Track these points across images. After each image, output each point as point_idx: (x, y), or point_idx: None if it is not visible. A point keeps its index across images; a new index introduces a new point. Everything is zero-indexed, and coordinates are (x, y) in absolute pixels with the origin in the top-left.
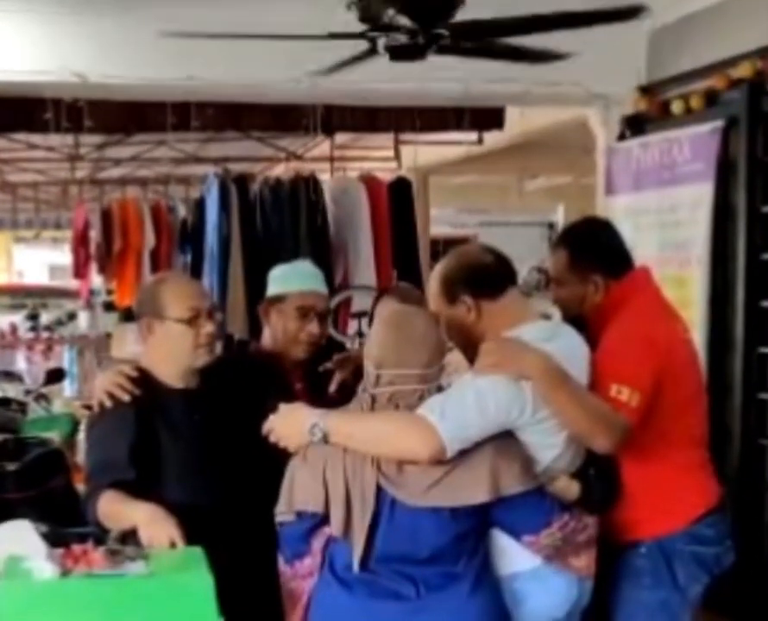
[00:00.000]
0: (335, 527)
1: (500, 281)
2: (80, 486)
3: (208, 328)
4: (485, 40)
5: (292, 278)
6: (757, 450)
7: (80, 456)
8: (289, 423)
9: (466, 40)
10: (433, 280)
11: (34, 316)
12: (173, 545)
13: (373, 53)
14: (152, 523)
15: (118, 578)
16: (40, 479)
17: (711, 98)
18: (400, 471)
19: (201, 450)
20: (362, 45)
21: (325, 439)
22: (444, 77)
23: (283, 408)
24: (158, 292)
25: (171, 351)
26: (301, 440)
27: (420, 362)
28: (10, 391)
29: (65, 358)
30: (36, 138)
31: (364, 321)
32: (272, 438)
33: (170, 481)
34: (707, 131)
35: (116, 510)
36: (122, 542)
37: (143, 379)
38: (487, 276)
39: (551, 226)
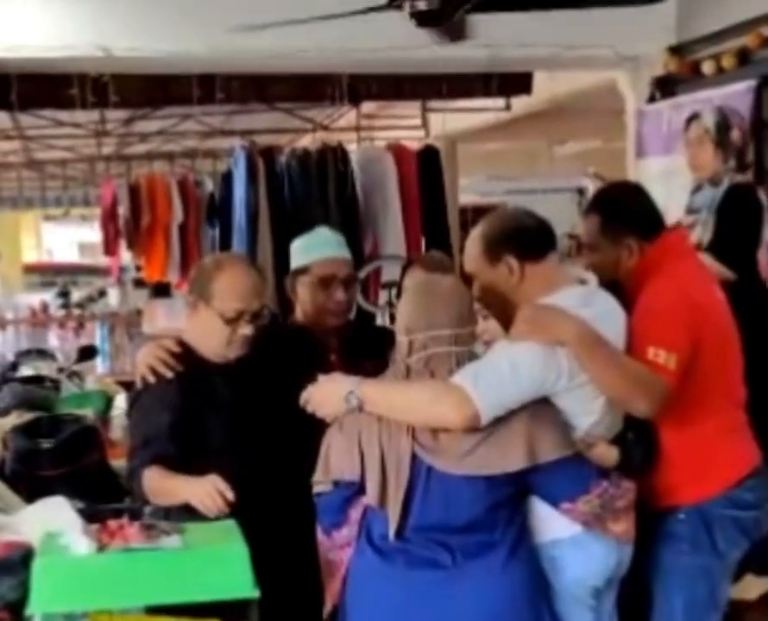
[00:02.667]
0: (371, 496)
1: (543, 244)
2: (115, 462)
3: (245, 330)
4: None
5: (311, 248)
6: None
7: (114, 432)
8: (326, 393)
9: (493, 10)
10: (474, 242)
11: (64, 294)
12: (227, 502)
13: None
14: (197, 488)
15: (154, 552)
16: (74, 456)
17: (743, 57)
18: (436, 439)
19: (242, 423)
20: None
21: (360, 407)
22: (471, 43)
23: (321, 378)
24: (212, 279)
25: (206, 335)
26: (337, 409)
27: (449, 322)
28: (44, 369)
29: (96, 335)
30: (63, 115)
31: (394, 291)
32: (309, 408)
33: (212, 455)
34: (739, 91)
35: (163, 488)
36: (166, 517)
37: (185, 353)
38: (531, 237)
39: (581, 192)
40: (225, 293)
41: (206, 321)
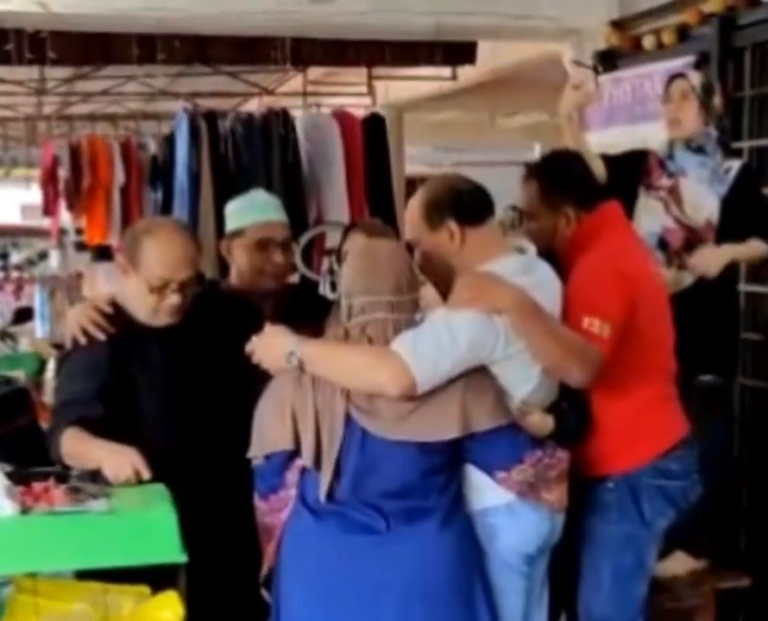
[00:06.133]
0: (306, 458)
1: (482, 208)
2: (47, 426)
3: (172, 299)
4: None
5: (248, 210)
6: None
7: (47, 395)
8: (270, 346)
9: None
10: (414, 206)
11: (3, 256)
12: (138, 476)
13: None
14: (114, 456)
15: (79, 515)
16: (4, 419)
17: (683, 33)
18: (371, 402)
19: (176, 389)
20: None
21: (301, 367)
22: (415, 10)
23: (267, 329)
24: (140, 244)
25: (134, 300)
26: (279, 365)
27: (388, 288)
28: None
29: (36, 298)
30: (2, 71)
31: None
32: (254, 359)
33: (145, 420)
34: (678, 67)
35: (79, 450)
36: (93, 479)
37: (118, 316)
38: (471, 202)
39: (528, 165)
40: (152, 261)
41: (134, 286)
